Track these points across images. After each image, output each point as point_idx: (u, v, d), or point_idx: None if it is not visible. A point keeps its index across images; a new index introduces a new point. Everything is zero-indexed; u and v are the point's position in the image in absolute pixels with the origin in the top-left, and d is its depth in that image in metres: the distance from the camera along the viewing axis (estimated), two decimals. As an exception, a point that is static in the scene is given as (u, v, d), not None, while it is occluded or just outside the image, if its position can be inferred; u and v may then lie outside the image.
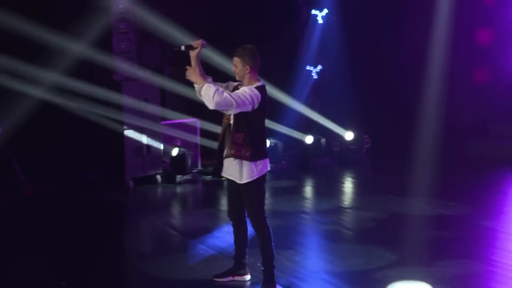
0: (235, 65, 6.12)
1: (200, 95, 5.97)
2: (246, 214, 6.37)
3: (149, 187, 10.52)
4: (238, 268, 6.61)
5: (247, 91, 5.97)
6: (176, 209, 9.81)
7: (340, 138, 12.05)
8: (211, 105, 5.87)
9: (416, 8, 12.46)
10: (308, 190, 10.62)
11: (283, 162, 11.54)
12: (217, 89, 5.85)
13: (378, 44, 12.18)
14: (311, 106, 11.98)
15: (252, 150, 6.10)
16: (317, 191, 10.54)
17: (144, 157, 10.48)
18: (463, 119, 12.51)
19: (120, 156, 10.23)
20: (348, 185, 10.97)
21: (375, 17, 12.09)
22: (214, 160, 10.97)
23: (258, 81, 6.13)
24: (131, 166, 10.35)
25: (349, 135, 11.95)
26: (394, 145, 12.17)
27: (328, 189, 10.66)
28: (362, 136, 11.99)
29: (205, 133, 11.25)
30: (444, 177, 10.81)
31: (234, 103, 5.86)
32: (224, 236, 8.04)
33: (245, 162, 6.12)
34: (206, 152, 11.40)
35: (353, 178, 11.30)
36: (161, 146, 10.70)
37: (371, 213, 9.02)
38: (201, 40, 6.14)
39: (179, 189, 10.47)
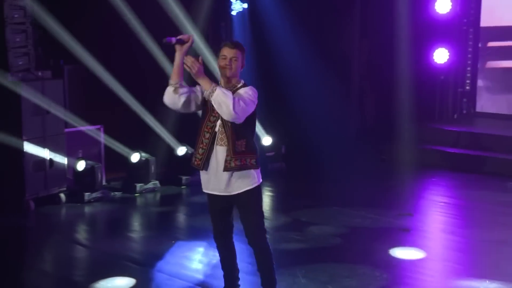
0: (237, 58, 5.47)
1: (210, 100, 5.35)
2: (246, 232, 5.64)
3: (53, 208, 9.16)
4: None
5: (250, 92, 5.43)
6: (101, 233, 8.64)
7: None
8: (229, 116, 5.29)
9: (330, 8, 12.01)
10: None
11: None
12: (234, 98, 5.27)
13: (295, 43, 11.52)
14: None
15: (255, 156, 5.53)
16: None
17: (46, 172, 9.10)
18: (376, 122, 12.26)
19: (18, 171, 8.81)
20: (284, 197, 10.16)
21: (294, 14, 11.40)
22: (122, 173, 10.10)
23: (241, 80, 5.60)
24: (32, 183, 8.94)
25: (267, 140, 11.21)
26: (309, 151, 11.64)
27: (266, 202, 9.91)
28: (280, 142, 11.29)
29: (109, 142, 10.07)
30: (370, 185, 10.62)
31: (249, 110, 5.38)
32: (182, 261, 7.23)
33: (249, 171, 5.50)
34: (110, 164, 10.19)
35: (283, 188, 10.55)
36: (65, 159, 9.35)
37: (331, 228, 8.43)
38: (191, 35, 5.54)
39: (89, 209, 9.24)
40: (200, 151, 5.54)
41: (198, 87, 5.54)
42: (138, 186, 9.85)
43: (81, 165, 9.42)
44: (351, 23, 12.05)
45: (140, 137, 10.10)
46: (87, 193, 9.35)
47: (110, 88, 9.84)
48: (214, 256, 7.13)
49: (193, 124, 10.67)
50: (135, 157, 9.95)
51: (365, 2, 12.25)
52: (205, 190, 5.65)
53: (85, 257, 7.62)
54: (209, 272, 6.88)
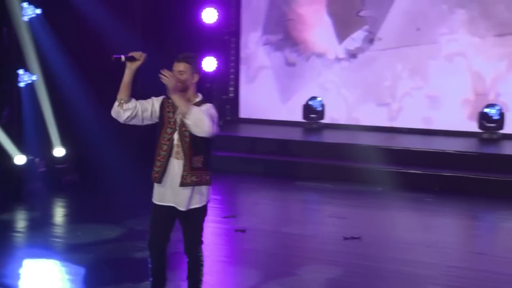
0: (183, 72, 5.61)
1: (185, 119, 5.46)
2: (186, 243, 5.88)
3: None
4: None
5: (212, 111, 5.64)
6: None
7: (47, 155, 10.88)
8: (205, 134, 5.46)
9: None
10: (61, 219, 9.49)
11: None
12: (208, 116, 5.47)
13: (84, 50, 11.27)
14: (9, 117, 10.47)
15: (210, 173, 5.76)
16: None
17: None
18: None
19: None
20: (97, 208, 9.98)
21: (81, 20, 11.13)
22: None
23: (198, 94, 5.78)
24: None
25: (59, 152, 10.87)
26: (100, 161, 11.52)
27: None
28: (75, 153, 11.01)
29: None
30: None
31: (216, 131, 5.54)
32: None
33: (202, 187, 5.73)
34: None
35: (90, 200, 10.38)
36: None
37: (173, 234, 8.53)
38: (142, 52, 5.65)
39: None
40: (158, 163, 5.65)
41: (152, 101, 5.66)
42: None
43: None
44: (133, 28, 12.15)
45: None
46: None
47: None
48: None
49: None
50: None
51: (145, 12, 12.45)
52: (158, 202, 5.72)
53: None
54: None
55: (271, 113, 13.93)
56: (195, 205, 5.70)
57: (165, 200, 5.70)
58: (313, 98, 13.43)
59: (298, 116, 13.60)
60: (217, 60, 13.43)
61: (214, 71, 13.47)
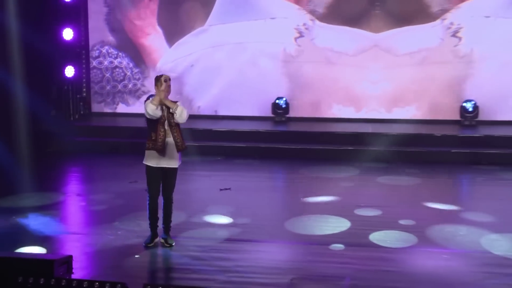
0: (170, 85, 9.03)
1: (174, 113, 8.87)
2: (167, 190, 9.18)
3: None
4: (156, 235, 9.33)
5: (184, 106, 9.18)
6: None
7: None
8: (183, 121, 8.98)
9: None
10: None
11: None
12: (185, 108, 9.12)
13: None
14: None
15: None
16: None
17: None
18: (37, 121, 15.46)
19: None
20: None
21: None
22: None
23: None
24: None
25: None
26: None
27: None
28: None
29: None
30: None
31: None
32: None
33: (179, 154, 9.13)
34: None
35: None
36: None
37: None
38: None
39: None
40: (160, 140, 8.82)
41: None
42: None
43: None
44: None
45: None
46: None
47: None
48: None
49: None
50: None
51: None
52: (157, 165, 8.92)
53: None
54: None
55: (118, 107, 17.70)
56: (178, 163, 9.12)
57: (161, 163, 8.89)
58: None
59: (139, 109, 17.42)
60: (74, 68, 16.92)
61: (72, 76, 16.96)
